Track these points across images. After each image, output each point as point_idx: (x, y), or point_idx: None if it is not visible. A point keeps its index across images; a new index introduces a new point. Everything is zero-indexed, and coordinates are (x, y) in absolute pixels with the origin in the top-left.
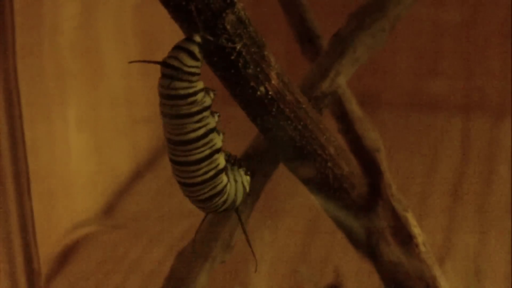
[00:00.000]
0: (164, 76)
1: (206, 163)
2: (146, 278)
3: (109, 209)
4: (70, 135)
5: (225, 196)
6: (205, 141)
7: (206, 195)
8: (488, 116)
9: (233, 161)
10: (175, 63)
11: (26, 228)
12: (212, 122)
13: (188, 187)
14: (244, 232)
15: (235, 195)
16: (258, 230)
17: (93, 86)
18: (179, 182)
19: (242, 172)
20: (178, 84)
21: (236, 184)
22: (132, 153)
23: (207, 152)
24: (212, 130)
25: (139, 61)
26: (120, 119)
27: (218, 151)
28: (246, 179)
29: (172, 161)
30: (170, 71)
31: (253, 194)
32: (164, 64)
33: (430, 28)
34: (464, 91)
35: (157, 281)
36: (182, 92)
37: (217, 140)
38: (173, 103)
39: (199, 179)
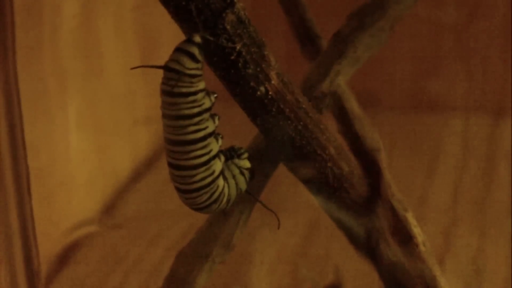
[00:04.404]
0: (166, 79)
1: (202, 169)
2: (146, 278)
3: (109, 209)
4: (70, 135)
5: (225, 198)
6: (203, 144)
7: (205, 203)
8: (488, 116)
9: (226, 158)
10: (177, 67)
11: (26, 228)
12: (211, 126)
13: (185, 193)
14: (259, 201)
15: (236, 188)
16: (258, 230)
17: (93, 86)
18: (177, 188)
19: (236, 161)
20: (180, 83)
21: (235, 178)
22: (132, 153)
23: (205, 158)
24: (210, 134)
25: (141, 66)
26: (120, 119)
27: (214, 157)
28: (244, 164)
29: (169, 164)
30: (172, 74)
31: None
32: (166, 68)
33: (430, 28)
34: (464, 91)
35: (157, 281)
36: (184, 90)
37: (214, 146)
38: (175, 101)
39: (196, 185)
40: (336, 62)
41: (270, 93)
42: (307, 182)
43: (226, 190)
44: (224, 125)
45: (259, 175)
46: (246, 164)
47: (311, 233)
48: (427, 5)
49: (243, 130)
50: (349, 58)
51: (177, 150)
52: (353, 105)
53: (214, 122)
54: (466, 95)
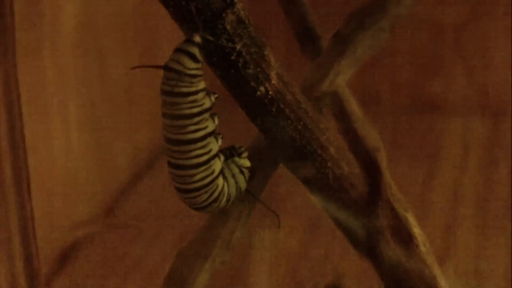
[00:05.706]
0: (166, 79)
1: (202, 168)
2: (146, 278)
3: (109, 209)
4: (70, 134)
5: (225, 197)
6: (202, 144)
7: (205, 203)
8: (488, 116)
9: (225, 157)
10: (177, 67)
11: (26, 228)
12: (211, 125)
13: (185, 193)
14: (259, 200)
15: (236, 187)
16: (258, 230)
17: (93, 86)
18: (176, 188)
19: (236, 160)
20: (181, 83)
21: (234, 177)
22: (132, 153)
23: (205, 158)
24: (210, 134)
25: (141, 66)
26: (120, 119)
27: (214, 157)
28: (244, 163)
29: (169, 164)
30: (173, 75)
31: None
32: (166, 68)
33: (430, 28)
34: (464, 91)
35: (157, 281)
36: (184, 90)
37: (214, 145)
38: (175, 101)
39: (196, 185)
40: (336, 62)
41: (270, 93)
42: (307, 182)
43: (225, 189)
44: (224, 125)
45: (259, 175)
46: (246, 163)
47: (311, 233)
48: (427, 5)
49: (243, 130)
50: (349, 58)
51: (177, 149)
52: (353, 105)
53: (214, 121)
54: (466, 95)
